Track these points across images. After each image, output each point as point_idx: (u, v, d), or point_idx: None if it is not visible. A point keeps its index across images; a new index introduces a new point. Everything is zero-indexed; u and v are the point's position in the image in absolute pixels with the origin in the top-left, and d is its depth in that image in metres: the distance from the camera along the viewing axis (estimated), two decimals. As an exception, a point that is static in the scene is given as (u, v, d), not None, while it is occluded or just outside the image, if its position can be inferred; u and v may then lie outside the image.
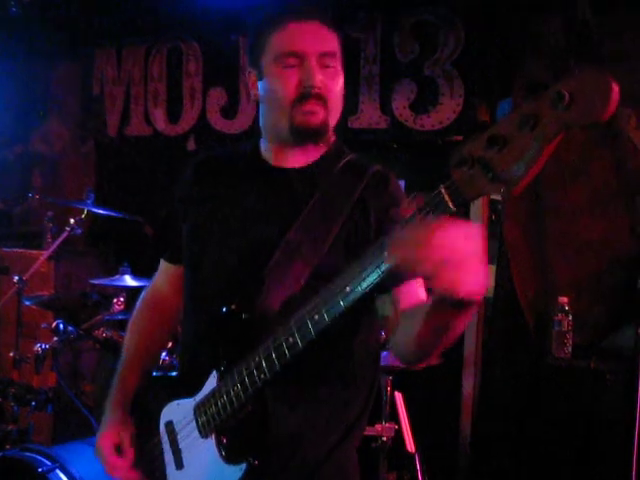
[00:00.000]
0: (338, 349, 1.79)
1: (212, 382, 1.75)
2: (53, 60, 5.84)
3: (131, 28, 5.32)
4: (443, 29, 4.25)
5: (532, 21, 4.00)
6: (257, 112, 1.92)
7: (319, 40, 1.76)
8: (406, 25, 4.36)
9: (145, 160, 5.47)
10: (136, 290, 4.12)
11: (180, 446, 1.85)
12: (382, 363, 3.40)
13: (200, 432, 1.77)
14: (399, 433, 3.60)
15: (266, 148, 1.91)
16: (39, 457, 3.24)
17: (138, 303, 2.17)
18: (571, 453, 3.67)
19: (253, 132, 1.91)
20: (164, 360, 3.51)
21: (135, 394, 2.01)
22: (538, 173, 1.21)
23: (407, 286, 1.68)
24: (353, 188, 1.78)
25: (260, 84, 1.84)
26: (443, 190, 1.28)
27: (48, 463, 3.20)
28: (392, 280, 1.49)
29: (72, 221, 4.18)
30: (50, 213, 5.31)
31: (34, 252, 5.02)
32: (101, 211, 4.40)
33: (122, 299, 4.13)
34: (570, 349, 3.73)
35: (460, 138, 4.22)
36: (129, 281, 4.16)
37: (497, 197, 4.20)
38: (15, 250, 5.21)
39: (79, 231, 4.23)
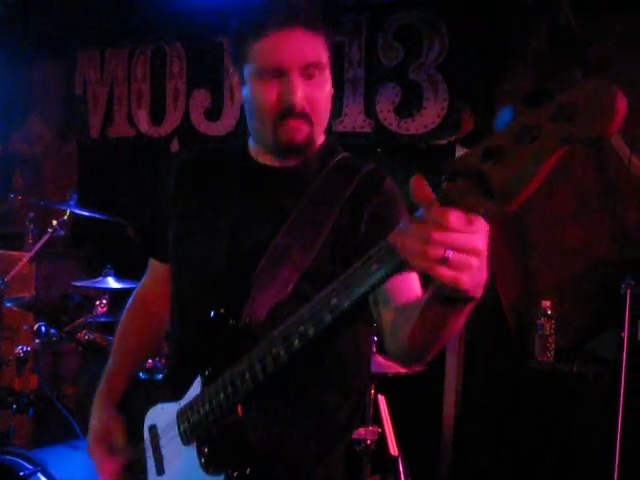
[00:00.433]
0: (327, 357, 1.76)
1: (196, 388, 1.70)
2: (35, 60, 5.79)
3: (115, 29, 5.29)
4: (428, 33, 4.26)
5: (516, 26, 4.02)
6: (241, 113, 1.86)
7: (302, 51, 1.64)
8: (391, 29, 4.37)
9: (128, 162, 5.45)
10: (119, 292, 4.10)
11: (162, 452, 1.81)
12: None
13: (182, 439, 1.73)
14: (382, 436, 3.60)
15: (254, 147, 1.84)
16: (20, 460, 3.21)
17: (128, 304, 2.12)
18: (553, 456, 3.69)
19: (237, 134, 1.89)
20: (148, 363, 3.50)
21: (122, 396, 1.97)
22: (535, 190, 1.12)
23: (402, 282, 1.59)
24: (344, 187, 1.72)
25: (243, 89, 1.75)
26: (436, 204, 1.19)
27: (29, 467, 3.18)
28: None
29: (54, 222, 4.15)
30: (31, 214, 5.27)
31: (14, 253, 4.99)
32: (84, 212, 4.37)
33: (105, 301, 4.10)
34: (553, 353, 3.75)
35: (444, 142, 4.23)
36: (112, 283, 4.13)
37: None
38: (-5, 251, 5.18)
39: (62, 232, 4.19)
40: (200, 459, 1.68)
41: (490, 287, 3.84)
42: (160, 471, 1.82)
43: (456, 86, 4.21)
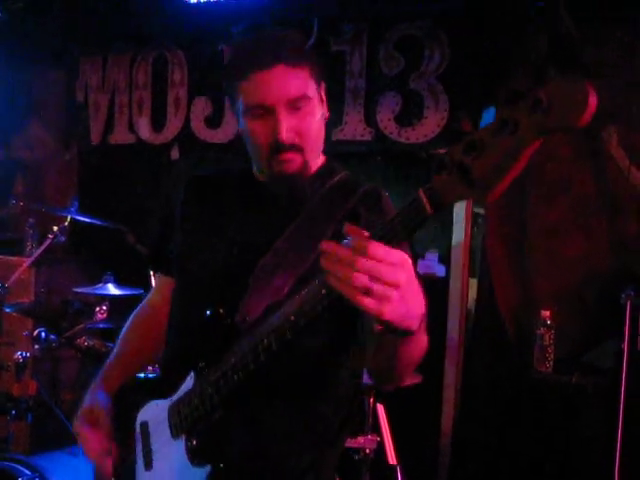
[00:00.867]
0: (315, 365, 1.80)
1: (189, 383, 1.75)
2: (37, 66, 5.81)
3: (117, 36, 5.32)
4: (428, 43, 4.28)
5: (516, 36, 4.03)
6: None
7: (285, 87, 1.70)
8: (392, 39, 4.39)
9: (129, 168, 5.46)
10: (119, 299, 4.11)
11: (152, 447, 1.85)
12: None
13: (172, 432, 1.78)
14: (381, 445, 3.61)
15: (252, 158, 1.90)
16: (19, 466, 3.23)
17: (133, 314, 2.18)
18: (553, 467, 3.69)
19: (237, 142, 1.92)
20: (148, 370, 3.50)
21: (115, 395, 1.99)
22: (514, 178, 1.21)
23: None
24: (343, 203, 1.79)
25: (239, 123, 1.83)
26: (422, 193, 1.28)
27: (28, 472, 3.20)
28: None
29: (55, 228, 4.16)
30: (31, 220, 5.28)
31: (13, 259, 5.00)
32: (84, 219, 4.38)
33: (105, 308, 4.11)
34: (552, 363, 3.75)
35: (444, 151, 4.24)
36: (112, 290, 4.14)
37: (480, 211, 4.24)
38: (-6, 256, 5.18)
39: (62, 239, 4.21)
40: (187, 451, 1.73)
41: (489, 297, 3.85)
42: (148, 465, 1.85)
43: (456, 96, 4.22)
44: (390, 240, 1.30)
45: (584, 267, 3.92)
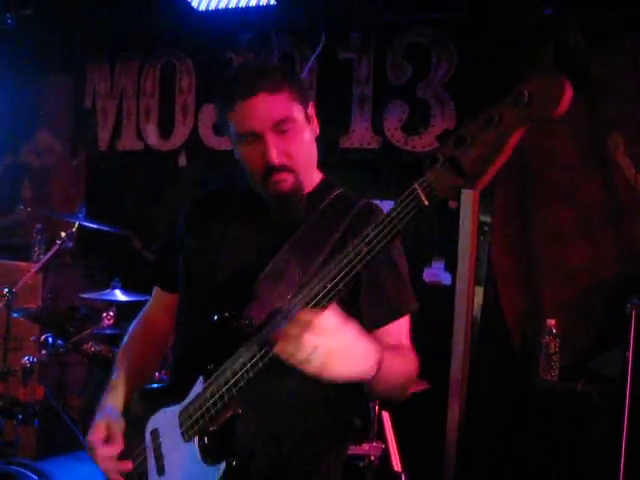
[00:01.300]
0: None
1: (198, 387, 1.79)
2: (46, 72, 5.83)
3: (125, 43, 5.35)
4: (435, 52, 4.30)
5: (523, 44, 4.04)
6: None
7: (270, 111, 1.81)
8: (399, 47, 4.40)
9: (136, 175, 5.48)
10: (126, 305, 4.12)
11: (163, 452, 1.88)
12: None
13: (183, 436, 1.81)
14: (386, 452, 3.61)
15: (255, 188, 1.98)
16: (25, 471, 3.23)
17: (131, 329, 2.23)
18: (558, 475, 3.69)
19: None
20: (155, 376, 3.51)
21: (124, 408, 2.03)
22: (499, 167, 1.35)
23: (386, 329, 1.86)
24: (342, 218, 1.88)
25: (234, 148, 1.93)
26: (417, 186, 1.43)
27: (34, 477, 3.20)
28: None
29: (63, 234, 4.17)
30: (39, 225, 5.30)
31: (21, 264, 5.02)
32: (92, 225, 4.40)
33: (112, 313, 4.12)
34: (557, 371, 3.75)
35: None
36: (119, 296, 4.15)
37: (487, 219, 4.24)
38: (2, 262, 5.19)
39: (70, 244, 4.23)
40: (200, 452, 1.77)
41: (495, 305, 3.84)
42: (161, 471, 1.88)
43: (463, 104, 4.23)
44: (387, 232, 1.46)
45: (589, 276, 3.93)
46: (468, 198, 4.15)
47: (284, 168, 1.83)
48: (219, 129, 5.00)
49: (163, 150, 5.34)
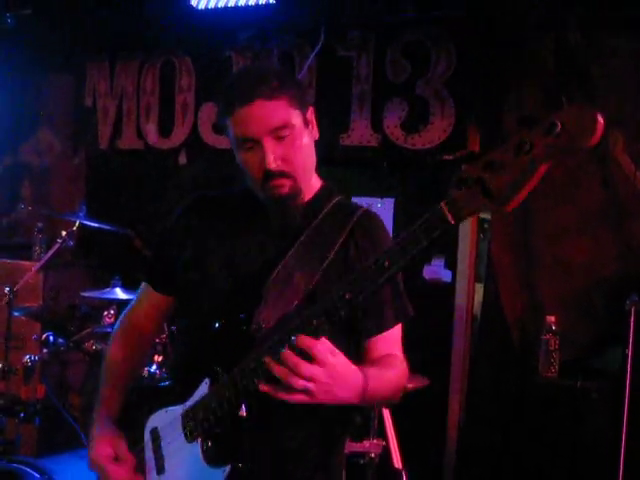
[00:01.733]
0: None
1: (203, 389, 1.80)
2: (46, 72, 5.84)
3: (125, 42, 5.35)
4: (435, 49, 4.30)
5: (522, 43, 4.05)
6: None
7: (268, 118, 1.82)
8: (398, 45, 4.41)
9: (136, 173, 5.49)
10: (127, 303, 4.11)
11: (163, 452, 1.89)
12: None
13: (186, 437, 1.82)
14: (387, 450, 3.61)
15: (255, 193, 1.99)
16: (27, 469, 3.24)
17: (116, 329, 2.23)
18: (557, 472, 3.70)
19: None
20: (155, 373, 3.52)
21: (120, 410, 2.05)
22: (528, 194, 1.36)
23: (378, 339, 1.89)
24: (343, 226, 1.91)
25: (235, 156, 1.94)
26: (444, 206, 1.44)
27: (36, 475, 3.21)
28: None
29: (64, 233, 4.18)
30: (40, 224, 5.31)
31: (22, 263, 5.03)
32: (92, 224, 4.41)
33: (112, 312, 4.13)
34: (557, 368, 3.75)
35: (450, 157, 4.26)
36: (120, 294, 4.16)
37: (486, 216, 4.25)
38: (3, 261, 5.21)
39: (71, 243, 4.24)
40: (204, 453, 1.78)
41: (495, 302, 3.85)
42: (160, 470, 1.90)
43: (462, 102, 4.24)
44: (411, 248, 1.49)
45: (589, 273, 3.93)
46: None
47: (282, 174, 1.84)
48: (220, 130, 5.01)
49: (163, 149, 5.34)
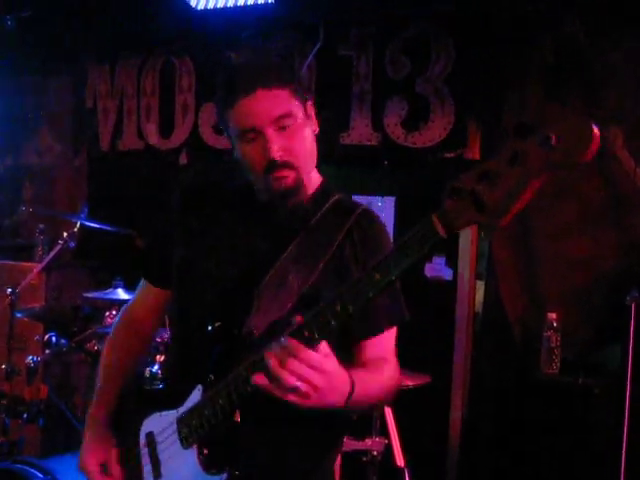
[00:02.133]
0: None
1: (196, 395, 1.79)
2: (47, 73, 5.85)
3: (125, 43, 5.36)
4: (435, 47, 4.30)
5: (523, 39, 4.05)
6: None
7: (270, 108, 1.81)
8: (398, 43, 4.41)
9: (137, 174, 5.49)
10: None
11: (159, 457, 1.88)
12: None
13: (182, 443, 1.81)
14: (389, 448, 3.62)
15: (255, 187, 1.97)
16: (31, 469, 3.25)
17: (116, 321, 2.23)
18: (559, 468, 3.70)
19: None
20: (157, 374, 3.53)
21: (116, 408, 2.04)
22: (522, 208, 1.33)
23: (369, 343, 1.87)
24: (341, 225, 1.88)
25: (234, 147, 1.92)
26: (435, 218, 1.40)
27: (40, 475, 3.21)
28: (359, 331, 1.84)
29: (65, 234, 4.20)
30: (41, 226, 5.32)
31: (24, 264, 5.04)
32: (94, 224, 4.42)
33: (114, 312, 4.13)
34: (558, 365, 3.76)
35: (451, 155, 4.26)
36: (122, 294, 4.17)
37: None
38: (5, 262, 5.22)
39: (72, 244, 4.25)
40: (200, 461, 1.77)
41: (496, 299, 3.85)
42: (157, 475, 1.88)
43: (463, 99, 4.24)
44: (402, 261, 1.45)
45: (591, 269, 3.94)
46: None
47: (285, 164, 1.82)
48: (219, 126, 5.02)
49: (164, 149, 5.35)
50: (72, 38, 5.32)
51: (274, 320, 1.77)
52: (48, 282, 4.92)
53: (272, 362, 1.54)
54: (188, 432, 1.79)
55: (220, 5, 4.43)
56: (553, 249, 4.05)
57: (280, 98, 1.83)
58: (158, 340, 3.64)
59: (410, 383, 3.45)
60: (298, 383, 1.52)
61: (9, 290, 4.10)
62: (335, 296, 1.54)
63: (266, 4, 4.34)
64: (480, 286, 4.36)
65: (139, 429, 1.93)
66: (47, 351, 4.04)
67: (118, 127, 5.55)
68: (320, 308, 1.56)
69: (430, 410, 4.20)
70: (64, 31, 5.25)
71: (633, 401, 3.38)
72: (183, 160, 5.27)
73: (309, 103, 1.92)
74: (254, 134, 1.82)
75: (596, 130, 1.24)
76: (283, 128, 1.82)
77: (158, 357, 3.67)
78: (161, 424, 1.88)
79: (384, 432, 3.65)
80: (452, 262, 4.35)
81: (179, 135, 5.27)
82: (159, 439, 1.89)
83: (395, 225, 4.30)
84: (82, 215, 4.37)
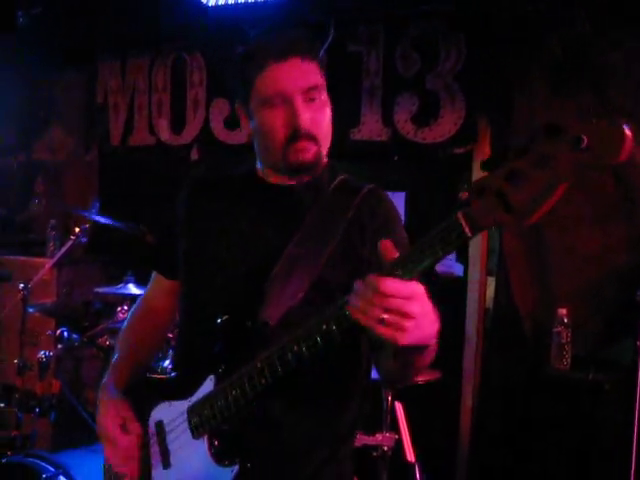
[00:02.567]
0: (336, 366, 1.84)
1: (208, 385, 1.78)
2: (57, 69, 5.87)
3: (136, 39, 5.37)
4: (445, 43, 4.29)
5: (532, 36, 4.04)
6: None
7: (302, 77, 1.79)
8: (408, 38, 4.40)
9: (148, 170, 5.51)
10: (139, 299, 4.15)
11: (169, 446, 1.88)
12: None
13: (192, 433, 1.81)
14: (399, 443, 3.62)
15: (263, 169, 1.95)
16: (43, 463, 3.26)
17: (131, 313, 2.24)
18: (569, 464, 3.70)
19: (251, 141, 1.96)
20: (167, 368, 3.55)
21: (127, 390, 2.02)
22: (549, 210, 1.30)
23: None
24: (348, 205, 1.85)
25: (251, 122, 1.89)
26: (460, 216, 1.35)
27: (52, 469, 3.22)
28: None
29: (77, 230, 4.22)
30: (53, 221, 5.35)
31: (36, 259, 5.07)
32: (105, 221, 4.44)
33: (126, 307, 4.15)
34: (569, 360, 3.75)
35: (461, 151, 4.26)
36: (133, 290, 4.19)
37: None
38: (17, 257, 5.25)
39: (84, 240, 4.27)
40: (211, 452, 1.77)
41: (507, 295, 3.84)
42: (166, 464, 1.88)
43: (473, 95, 4.23)
44: (426, 258, 1.40)
45: (601, 264, 3.92)
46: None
47: (310, 136, 1.79)
48: (230, 124, 5.03)
49: (175, 145, 5.37)
50: (83, 34, 5.34)
51: (288, 309, 1.75)
52: (60, 277, 4.95)
53: (353, 299, 1.43)
54: (199, 422, 1.79)
55: (231, 1, 4.44)
56: (564, 244, 4.04)
57: (312, 69, 1.81)
58: (170, 336, 3.66)
59: (421, 378, 3.45)
60: (390, 315, 1.38)
61: (21, 285, 4.12)
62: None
63: (276, 0, 4.34)
64: (491, 282, 4.36)
65: (148, 418, 1.93)
66: (59, 346, 4.06)
67: (129, 123, 5.57)
68: (335, 305, 1.51)
69: (440, 405, 4.21)
70: (75, 27, 5.27)
71: (644, 397, 3.37)
72: (194, 156, 5.28)
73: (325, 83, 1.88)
74: (281, 101, 1.78)
75: (628, 131, 1.21)
76: (312, 100, 1.80)
77: (171, 352, 3.69)
78: (171, 414, 1.88)
79: (394, 427, 3.65)
80: (463, 258, 4.35)
81: (190, 131, 5.28)
82: (168, 428, 1.88)
83: (405, 220, 4.29)
84: (93, 211, 4.38)
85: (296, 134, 1.78)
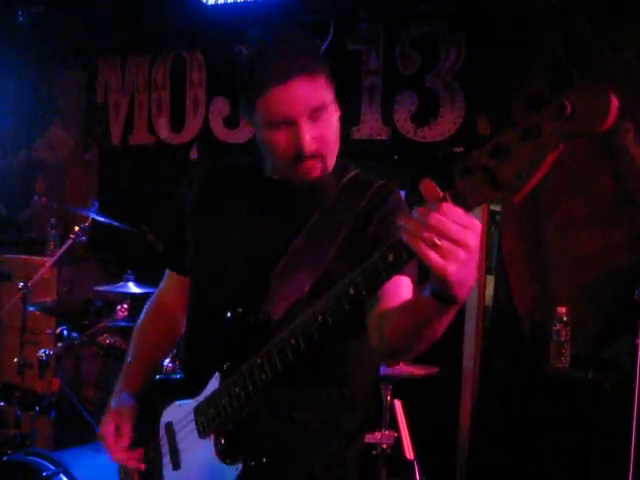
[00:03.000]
0: (339, 360, 1.85)
1: (214, 383, 1.78)
2: (58, 68, 5.88)
3: (136, 37, 5.37)
4: (445, 42, 4.29)
5: (533, 34, 4.04)
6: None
7: (305, 100, 1.72)
8: (408, 37, 4.40)
9: (148, 168, 5.51)
10: (140, 297, 4.16)
11: (178, 447, 1.89)
12: (382, 373, 3.46)
13: (199, 432, 1.81)
14: (398, 441, 3.62)
15: (270, 166, 1.92)
16: (43, 461, 3.27)
17: (145, 309, 2.22)
18: (568, 463, 3.70)
19: (255, 143, 1.95)
20: (167, 367, 3.55)
21: (138, 396, 2.05)
22: (538, 182, 1.25)
23: (393, 284, 1.61)
24: (357, 201, 1.83)
25: (256, 131, 1.85)
26: (448, 197, 1.31)
27: (52, 467, 3.23)
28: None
29: (77, 229, 4.22)
30: (53, 220, 5.35)
31: (36, 258, 5.07)
32: (105, 220, 4.44)
33: (126, 306, 4.17)
34: (568, 359, 3.76)
35: (461, 150, 4.26)
36: (133, 288, 4.19)
37: (497, 208, 4.25)
38: (18, 256, 5.26)
39: (84, 238, 4.27)
40: (217, 450, 1.77)
41: (506, 294, 3.84)
42: (176, 465, 1.89)
43: (473, 95, 4.23)
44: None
45: (600, 263, 3.93)
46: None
47: (314, 155, 1.75)
48: (230, 123, 5.04)
49: (175, 143, 5.37)
50: (83, 33, 5.34)
51: (292, 304, 1.74)
52: (60, 276, 4.96)
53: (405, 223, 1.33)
54: (205, 421, 1.79)
55: (230, 0, 4.44)
56: (563, 243, 4.04)
57: (317, 88, 1.74)
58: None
59: (419, 372, 3.46)
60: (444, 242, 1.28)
61: (21, 284, 4.13)
62: (350, 278, 1.47)
63: (276, -2, 4.36)
64: (490, 280, 4.36)
65: (159, 419, 1.94)
66: (59, 344, 4.06)
67: (129, 122, 5.57)
68: (334, 292, 1.50)
69: (440, 404, 4.21)
70: (75, 26, 5.27)
71: (642, 396, 3.38)
72: (194, 155, 5.28)
73: (334, 85, 1.83)
74: (285, 123, 1.73)
75: (614, 97, 1.16)
76: (316, 118, 1.74)
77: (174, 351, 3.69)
78: (179, 414, 1.88)
79: (394, 425, 3.66)
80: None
81: (190, 130, 5.29)
82: (177, 428, 1.89)
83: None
84: (93, 209, 4.39)
85: (300, 156, 1.74)
